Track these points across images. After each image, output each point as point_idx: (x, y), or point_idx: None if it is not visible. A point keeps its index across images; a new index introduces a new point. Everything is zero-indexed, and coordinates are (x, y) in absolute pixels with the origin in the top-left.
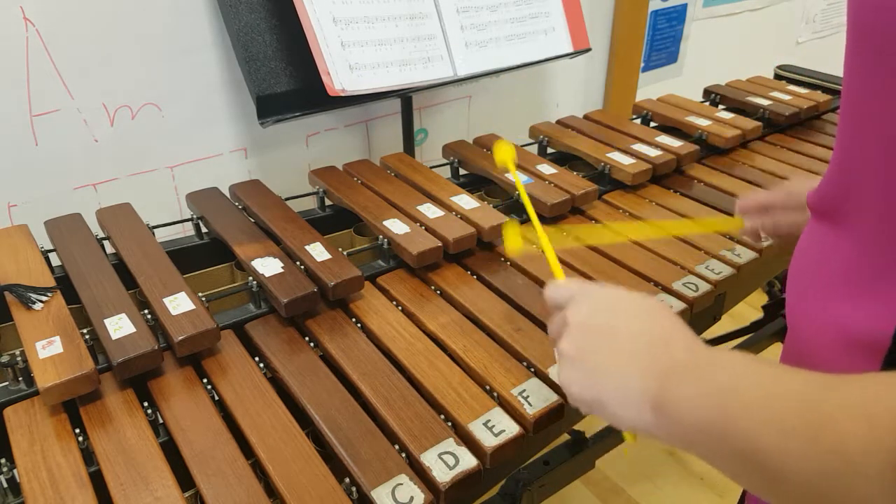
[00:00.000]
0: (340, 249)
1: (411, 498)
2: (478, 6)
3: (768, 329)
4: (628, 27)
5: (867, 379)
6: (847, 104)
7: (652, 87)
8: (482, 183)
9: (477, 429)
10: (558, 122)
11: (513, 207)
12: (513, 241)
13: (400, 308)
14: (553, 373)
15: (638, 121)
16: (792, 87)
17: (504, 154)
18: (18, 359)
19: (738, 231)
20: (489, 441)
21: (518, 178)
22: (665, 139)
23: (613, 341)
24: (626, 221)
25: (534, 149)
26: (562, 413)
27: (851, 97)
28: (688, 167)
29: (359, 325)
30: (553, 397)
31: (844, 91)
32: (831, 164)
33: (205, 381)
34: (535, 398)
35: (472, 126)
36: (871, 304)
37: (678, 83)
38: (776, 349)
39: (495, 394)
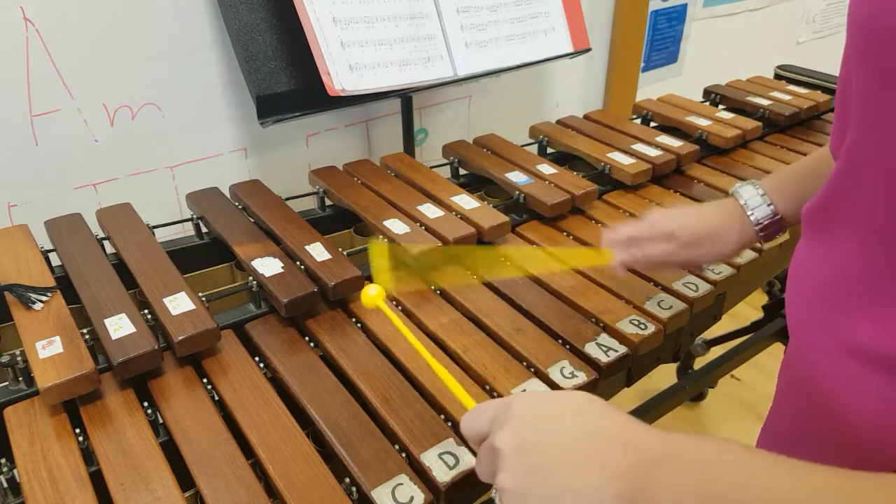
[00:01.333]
0: (340, 249)
1: (411, 498)
2: (478, 6)
3: (768, 329)
4: (628, 27)
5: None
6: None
7: (652, 87)
8: (482, 183)
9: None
10: (558, 122)
11: (513, 207)
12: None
13: (400, 308)
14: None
15: (638, 121)
16: (792, 87)
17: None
18: (18, 359)
19: (609, 264)
20: None
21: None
22: (665, 139)
23: (560, 455)
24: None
25: (534, 149)
26: None
27: (857, 109)
28: (688, 167)
29: (359, 325)
30: None
31: (839, 101)
32: (831, 177)
33: (205, 381)
34: None
35: (472, 126)
36: (882, 318)
37: (678, 83)
38: (776, 349)
39: (495, 394)
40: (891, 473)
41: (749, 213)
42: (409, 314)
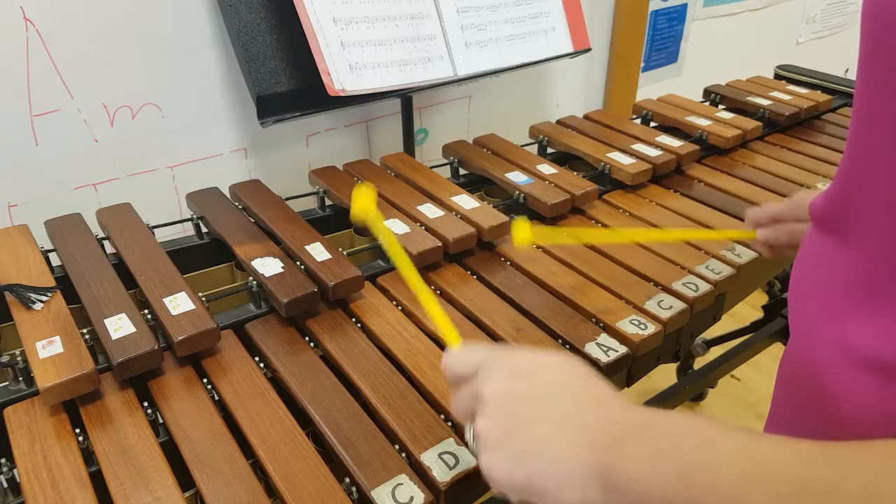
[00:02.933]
0: (340, 249)
1: (411, 498)
2: (478, 6)
3: (768, 329)
4: (628, 27)
5: (871, 451)
6: (858, 113)
7: (652, 87)
8: (482, 183)
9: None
10: (558, 122)
11: (513, 207)
12: (522, 235)
13: (400, 308)
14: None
15: (638, 121)
16: (792, 87)
17: (363, 201)
18: (18, 359)
19: (751, 242)
20: None
21: (386, 228)
22: (665, 139)
23: (540, 411)
24: (637, 227)
25: (534, 149)
26: None
27: (862, 108)
28: (688, 167)
29: (359, 325)
30: None
31: (856, 102)
32: (838, 172)
33: (205, 381)
34: None
35: (472, 126)
36: (882, 321)
37: (678, 83)
38: (776, 349)
39: None
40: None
41: None
42: (409, 314)
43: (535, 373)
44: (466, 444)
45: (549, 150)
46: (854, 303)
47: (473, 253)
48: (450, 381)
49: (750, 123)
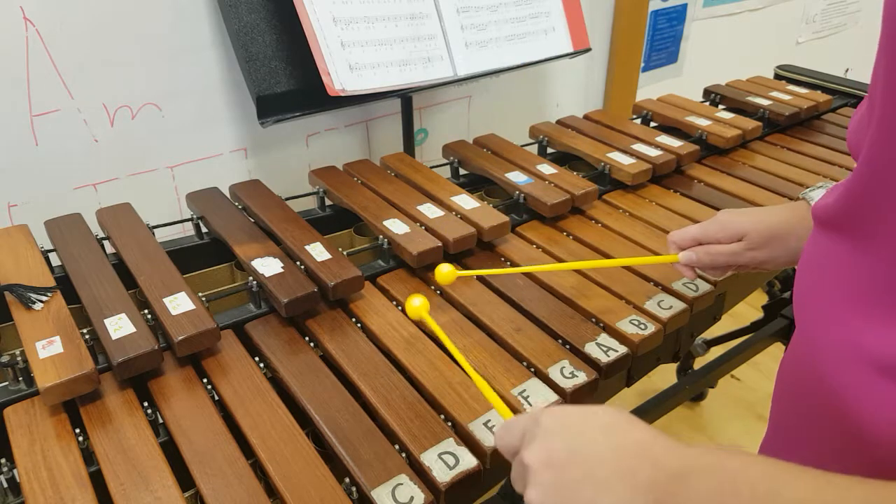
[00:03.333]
0: (340, 249)
1: (411, 498)
2: (478, 6)
3: (768, 329)
4: (628, 27)
5: None
6: (883, 119)
7: (652, 87)
8: (482, 183)
9: (477, 429)
10: (558, 122)
11: (513, 207)
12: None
13: (400, 308)
14: None
15: (638, 121)
16: (792, 87)
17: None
18: (18, 359)
19: (674, 266)
20: (489, 441)
21: (437, 326)
22: (665, 139)
23: (587, 471)
24: (570, 260)
25: (534, 149)
26: None
27: (888, 109)
28: (688, 167)
29: (359, 325)
30: (553, 397)
31: (881, 102)
32: (854, 175)
33: (205, 381)
34: (536, 398)
35: (472, 126)
36: None
37: (678, 83)
38: (776, 349)
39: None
40: None
41: None
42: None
43: (575, 433)
44: None
45: (549, 150)
46: (871, 307)
47: (473, 253)
48: (506, 457)
49: (750, 123)
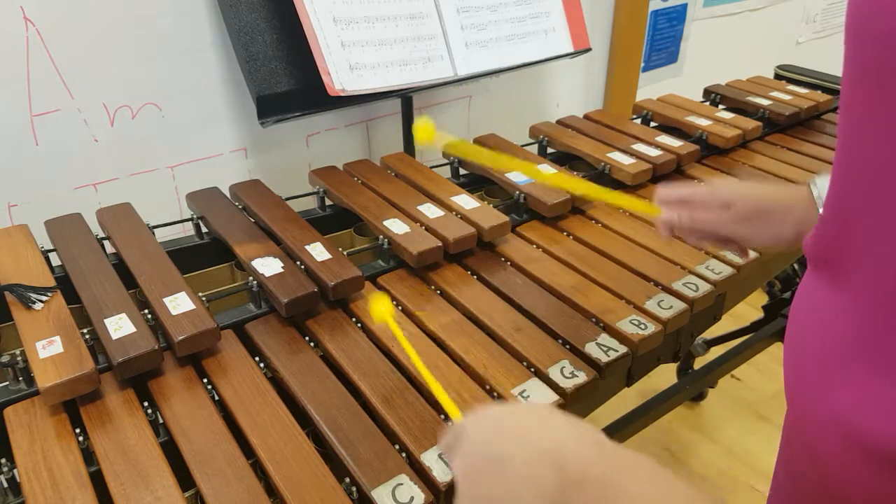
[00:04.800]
0: (340, 249)
1: (411, 498)
2: (478, 6)
3: (768, 329)
4: (628, 27)
5: None
6: (844, 141)
7: (652, 87)
8: (482, 183)
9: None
10: (558, 122)
11: (513, 207)
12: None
13: (400, 308)
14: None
15: (638, 121)
16: (792, 87)
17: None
18: (19, 359)
19: (653, 220)
20: None
21: (400, 333)
22: (665, 139)
23: (500, 483)
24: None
25: (534, 149)
26: None
27: (849, 134)
28: (688, 167)
29: (359, 325)
30: (553, 397)
31: (841, 127)
32: (827, 202)
33: (205, 381)
34: (535, 398)
35: (472, 126)
36: (883, 393)
37: (678, 83)
38: (776, 349)
39: (495, 394)
40: None
41: (819, 202)
42: (409, 314)
43: (493, 442)
44: None
45: (549, 150)
46: (850, 366)
47: (473, 253)
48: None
49: (750, 123)
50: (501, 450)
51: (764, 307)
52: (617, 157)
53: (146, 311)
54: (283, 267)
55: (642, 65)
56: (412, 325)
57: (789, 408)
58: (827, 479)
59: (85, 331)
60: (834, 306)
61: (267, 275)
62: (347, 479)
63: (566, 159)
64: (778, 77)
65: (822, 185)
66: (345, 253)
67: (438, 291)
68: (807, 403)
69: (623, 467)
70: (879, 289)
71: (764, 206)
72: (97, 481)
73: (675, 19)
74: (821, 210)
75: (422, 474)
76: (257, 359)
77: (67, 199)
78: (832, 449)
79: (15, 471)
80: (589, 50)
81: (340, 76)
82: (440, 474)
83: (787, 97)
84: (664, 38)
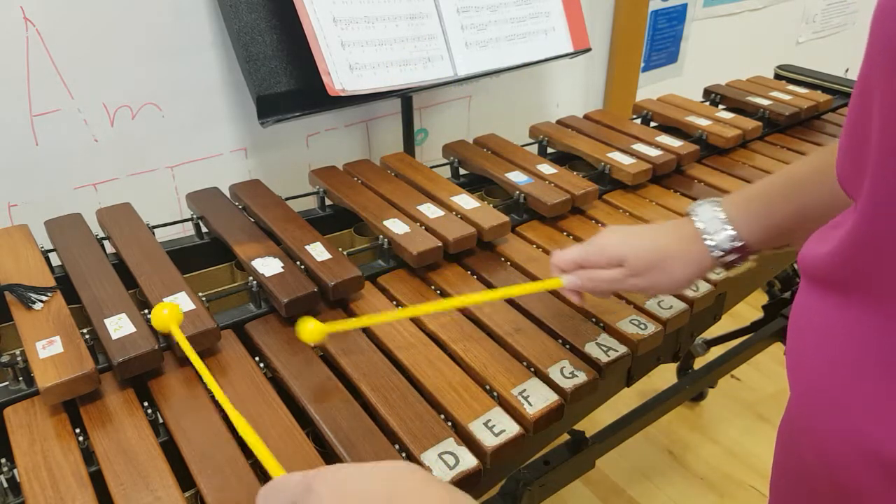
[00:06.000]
0: (340, 249)
1: None
2: (478, 6)
3: (768, 329)
4: (628, 27)
5: None
6: (883, 152)
7: (652, 87)
8: (482, 183)
9: (477, 429)
10: (558, 122)
11: (513, 207)
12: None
13: (400, 308)
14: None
15: (638, 121)
16: (792, 87)
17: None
18: (18, 359)
19: (560, 291)
20: (489, 441)
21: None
22: (665, 139)
23: None
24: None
25: (534, 149)
26: (562, 413)
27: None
28: (688, 167)
29: None
30: (553, 397)
31: (879, 139)
32: (856, 221)
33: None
34: (536, 398)
35: (472, 126)
36: None
37: (678, 83)
38: (776, 349)
39: (495, 393)
40: None
41: (706, 238)
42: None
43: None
44: None
45: (549, 150)
46: (875, 387)
47: (473, 253)
48: None
49: (750, 123)
50: None
51: (764, 307)
52: (617, 157)
53: (146, 311)
54: (283, 267)
55: (642, 65)
56: (412, 325)
57: (796, 423)
58: (838, 490)
59: (85, 331)
60: (847, 323)
61: (267, 275)
62: None
63: (566, 159)
64: (778, 77)
65: (703, 214)
66: (345, 253)
67: (438, 291)
68: (817, 417)
69: None
70: None
71: (657, 256)
72: (97, 481)
73: (675, 19)
74: (708, 240)
75: None
76: (257, 359)
77: (67, 199)
78: (845, 460)
79: (15, 471)
80: (589, 50)
81: (340, 76)
82: (440, 474)
83: (787, 97)
84: (664, 38)
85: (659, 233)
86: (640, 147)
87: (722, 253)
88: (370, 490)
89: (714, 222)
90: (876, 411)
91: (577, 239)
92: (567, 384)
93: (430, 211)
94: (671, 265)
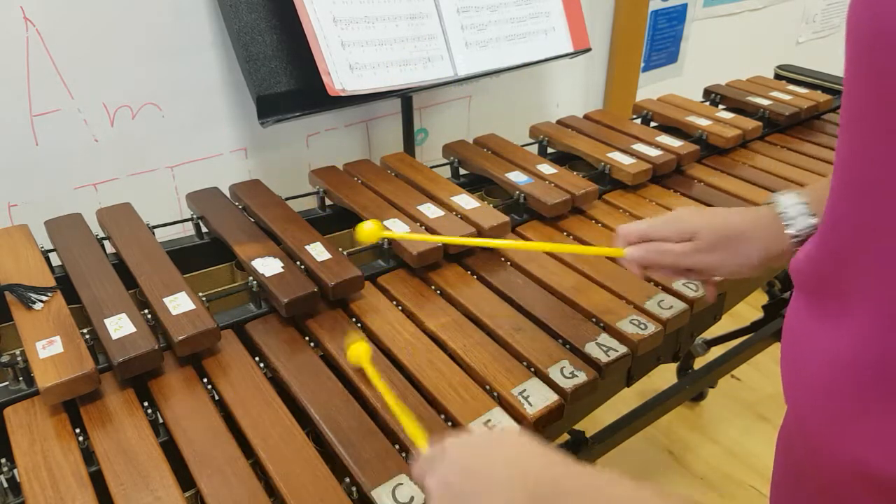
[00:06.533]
0: (340, 249)
1: (411, 498)
2: (478, 6)
3: (768, 329)
4: (628, 27)
5: None
6: (844, 152)
7: (652, 87)
8: (482, 183)
9: (477, 429)
10: (558, 122)
11: (513, 207)
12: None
13: (400, 308)
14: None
15: (638, 121)
16: (792, 87)
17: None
18: (19, 359)
19: (620, 261)
20: None
21: (378, 377)
22: (665, 139)
23: (474, 494)
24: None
25: (534, 149)
26: (562, 413)
27: (855, 149)
28: (688, 167)
29: (359, 325)
30: (553, 397)
31: (841, 141)
32: (823, 224)
33: (205, 380)
34: (536, 398)
35: (472, 126)
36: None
37: (678, 83)
38: (776, 349)
39: (495, 393)
40: None
41: (787, 223)
42: (409, 314)
43: (469, 461)
44: None
45: (549, 150)
46: (863, 400)
47: (474, 253)
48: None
49: (750, 123)
50: (477, 465)
51: (764, 307)
52: (617, 157)
53: (146, 311)
54: (283, 267)
55: (642, 65)
56: (412, 325)
57: (793, 434)
58: (836, 500)
59: (85, 331)
60: (834, 331)
61: (267, 275)
62: (347, 479)
63: (566, 159)
64: (778, 77)
65: (785, 201)
66: (345, 253)
67: (438, 291)
68: (815, 438)
69: (596, 478)
70: (889, 308)
71: (728, 233)
72: (97, 481)
73: (675, 19)
74: (789, 225)
75: None
76: (257, 359)
77: (67, 199)
78: (844, 478)
79: (15, 471)
80: (589, 50)
81: (340, 76)
82: None
83: (786, 97)
84: (664, 38)
85: (733, 213)
86: (640, 147)
87: (800, 239)
88: (483, 449)
89: (796, 208)
90: (877, 432)
91: (577, 239)
92: (567, 384)
93: (430, 211)
94: (742, 245)
